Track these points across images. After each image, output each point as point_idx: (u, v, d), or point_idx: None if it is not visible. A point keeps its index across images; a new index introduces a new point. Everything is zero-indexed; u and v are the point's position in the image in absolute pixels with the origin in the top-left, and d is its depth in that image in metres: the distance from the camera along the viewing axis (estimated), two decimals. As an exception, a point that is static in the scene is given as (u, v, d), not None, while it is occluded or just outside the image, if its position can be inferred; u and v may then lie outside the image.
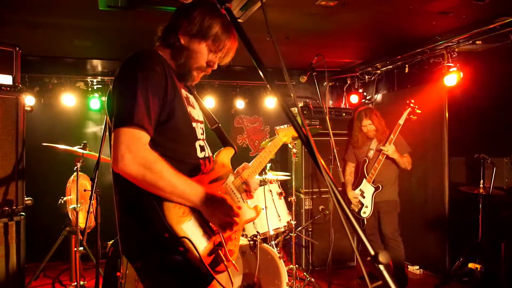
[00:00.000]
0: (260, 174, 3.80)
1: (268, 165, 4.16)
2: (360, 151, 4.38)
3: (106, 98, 1.61)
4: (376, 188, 4.11)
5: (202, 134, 1.73)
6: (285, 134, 2.27)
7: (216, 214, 1.50)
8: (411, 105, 3.99)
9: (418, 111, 3.97)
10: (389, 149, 4.00)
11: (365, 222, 4.26)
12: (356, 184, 4.33)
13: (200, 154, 1.66)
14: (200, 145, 1.67)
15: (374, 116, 4.22)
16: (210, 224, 1.54)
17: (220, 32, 1.60)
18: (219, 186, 1.72)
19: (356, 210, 4.23)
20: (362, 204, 4.21)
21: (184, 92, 1.67)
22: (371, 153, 4.22)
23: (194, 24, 1.59)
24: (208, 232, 1.53)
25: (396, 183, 4.24)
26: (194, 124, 1.65)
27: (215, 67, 1.70)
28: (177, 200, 1.45)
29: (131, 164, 1.36)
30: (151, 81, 1.47)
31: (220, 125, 1.95)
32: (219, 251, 1.54)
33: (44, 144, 3.73)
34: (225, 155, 1.84)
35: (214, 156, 1.81)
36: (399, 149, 4.09)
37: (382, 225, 4.19)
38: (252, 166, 1.94)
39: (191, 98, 1.75)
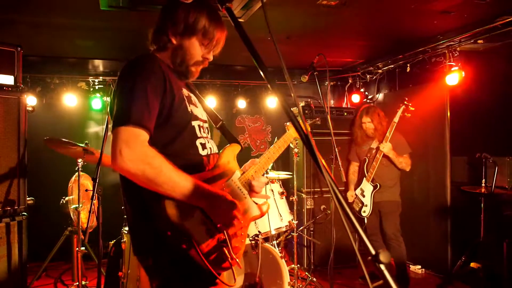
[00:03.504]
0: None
1: (270, 165, 4.16)
2: (362, 150, 4.38)
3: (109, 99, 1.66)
4: (374, 187, 4.11)
5: (204, 132, 1.73)
6: None
7: (217, 211, 1.49)
8: (405, 102, 4.05)
9: (412, 108, 4.03)
10: (385, 147, 4.00)
11: (366, 222, 4.26)
12: (357, 183, 4.33)
13: (203, 152, 1.67)
14: (201, 143, 1.67)
15: (375, 115, 4.21)
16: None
17: (207, 25, 1.63)
18: (223, 183, 1.71)
19: (357, 209, 4.24)
20: (363, 203, 4.20)
21: (185, 92, 1.69)
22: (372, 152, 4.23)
23: (179, 23, 1.62)
24: (211, 229, 1.52)
25: (398, 184, 4.22)
26: (194, 123, 1.66)
27: (211, 58, 1.73)
28: (177, 196, 1.44)
29: (130, 160, 1.37)
30: (150, 82, 1.49)
31: (223, 122, 1.95)
32: (224, 248, 1.52)
33: (46, 138, 3.65)
34: (231, 151, 1.82)
35: (219, 153, 1.80)
36: (399, 149, 4.08)
37: (383, 225, 4.19)
38: (259, 162, 1.90)
39: (193, 97, 1.76)
